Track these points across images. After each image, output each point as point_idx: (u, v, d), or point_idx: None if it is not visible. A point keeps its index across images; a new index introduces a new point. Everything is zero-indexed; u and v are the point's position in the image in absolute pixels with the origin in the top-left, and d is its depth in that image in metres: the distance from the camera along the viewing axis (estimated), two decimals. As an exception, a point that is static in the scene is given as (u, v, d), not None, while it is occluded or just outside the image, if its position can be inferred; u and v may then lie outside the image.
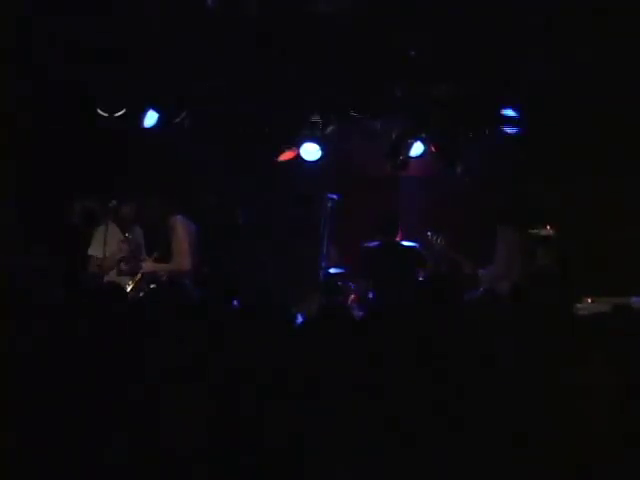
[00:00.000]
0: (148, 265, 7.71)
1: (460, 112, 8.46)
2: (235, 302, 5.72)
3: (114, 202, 7.79)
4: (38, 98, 8.25)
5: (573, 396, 3.73)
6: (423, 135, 8.92)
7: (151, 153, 9.01)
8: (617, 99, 7.89)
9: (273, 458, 3.76)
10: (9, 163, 8.41)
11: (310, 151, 9.07)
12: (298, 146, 9.09)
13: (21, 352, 4.10)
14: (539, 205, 8.61)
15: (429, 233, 8.44)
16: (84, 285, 7.24)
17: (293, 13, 7.38)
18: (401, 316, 4.47)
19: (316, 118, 8.93)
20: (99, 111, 8.32)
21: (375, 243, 8.92)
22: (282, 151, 9.17)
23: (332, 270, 8.86)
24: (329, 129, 8.98)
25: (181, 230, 7.87)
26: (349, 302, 8.77)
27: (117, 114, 8.33)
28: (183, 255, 7.75)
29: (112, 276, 7.60)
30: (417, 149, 9.00)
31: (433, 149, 8.95)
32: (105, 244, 7.65)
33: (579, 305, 7.00)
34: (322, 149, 9.02)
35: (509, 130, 8.53)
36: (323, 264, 8.71)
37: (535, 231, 8.05)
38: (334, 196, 8.75)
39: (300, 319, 5.13)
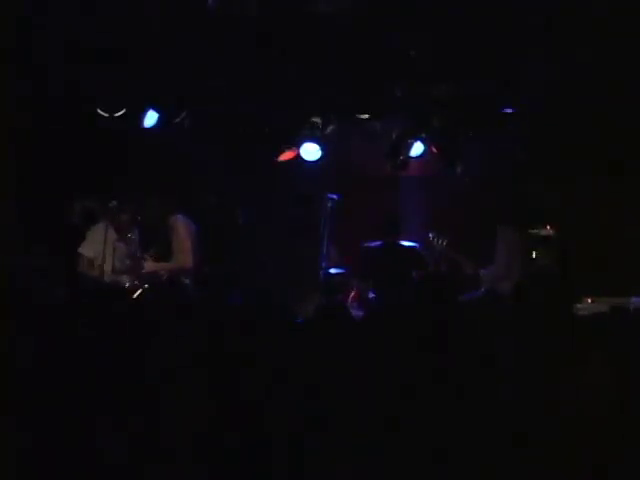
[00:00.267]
0: (150, 264, 7.72)
1: (460, 112, 8.46)
2: (235, 301, 5.72)
3: (114, 202, 7.80)
4: (38, 98, 8.25)
5: (573, 396, 3.73)
6: (423, 135, 8.92)
7: (151, 153, 9.01)
8: (617, 99, 7.89)
9: (273, 458, 3.76)
10: (9, 163, 8.41)
11: (310, 151, 9.07)
12: (298, 146, 9.09)
13: (21, 352, 4.11)
14: (539, 205, 8.61)
15: (430, 234, 8.44)
16: (84, 285, 7.25)
17: (293, 13, 7.38)
18: (401, 316, 4.47)
19: (316, 118, 8.94)
20: (99, 111, 8.33)
21: (376, 243, 8.93)
22: (282, 151, 9.17)
23: (332, 270, 8.86)
24: (329, 129, 8.98)
25: (182, 229, 7.90)
26: (349, 301, 8.77)
27: (117, 114, 8.33)
28: (185, 253, 7.77)
29: (108, 274, 7.60)
30: (417, 149, 9.00)
31: (433, 149, 8.95)
32: (98, 244, 7.66)
33: (579, 305, 7.00)
34: (322, 149, 9.03)
35: (509, 130, 8.53)
36: (323, 264, 8.71)
37: (535, 231, 8.05)
38: (334, 196, 8.75)
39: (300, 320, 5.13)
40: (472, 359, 4.00)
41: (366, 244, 8.96)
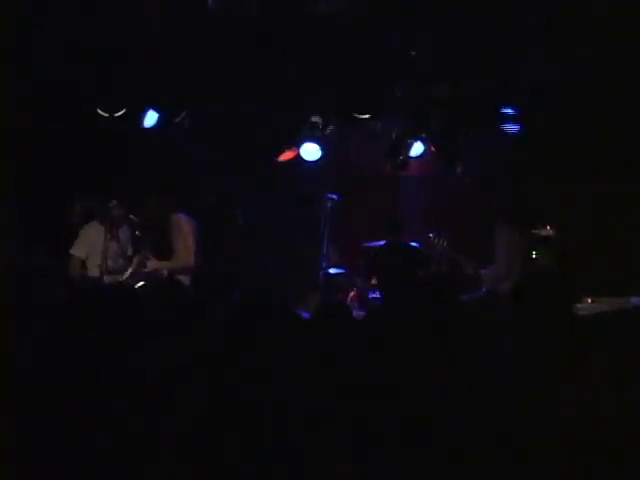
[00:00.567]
0: (153, 263, 7.73)
1: (460, 112, 8.46)
2: (235, 301, 5.72)
3: (114, 202, 7.80)
4: (38, 98, 8.25)
5: (573, 396, 3.73)
6: (423, 135, 8.93)
7: (151, 153, 9.02)
8: (617, 99, 7.89)
9: (273, 458, 3.76)
10: (9, 163, 8.41)
11: (310, 151, 9.07)
12: (298, 146, 9.10)
13: (21, 352, 4.10)
14: (539, 205, 8.61)
15: (430, 234, 8.44)
16: (83, 285, 7.24)
17: (293, 13, 7.38)
18: (401, 316, 4.47)
19: (316, 118, 8.94)
20: (99, 111, 8.33)
21: (380, 243, 8.93)
22: (282, 151, 9.18)
23: (332, 270, 8.87)
24: (329, 129, 8.98)
25: (185, 227, 7.91)
26: (348, 301, 8.77)
27: (117, 114, 8.33)
28: (188, 251, 7.79)
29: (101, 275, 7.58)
30: (417, 149, 9.00)
31: (433, 149, 8.95)
32: (90, 244, 7.66)
33: (579, 305, 7.00)
34: (322, 149, 9.03)
35: (509, 128, 8.52)
36: (323, 264, 8.72)
37: (535, 231, 8.05)
38: (334, 196, 8.76)
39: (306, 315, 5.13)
40: (472, 359, 4.00)
41: (369, 243, 8.97)
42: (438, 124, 8.74)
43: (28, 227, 8.38)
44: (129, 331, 4.28)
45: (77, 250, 7.78)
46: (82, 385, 3.95)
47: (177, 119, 8.58)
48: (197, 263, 7.93)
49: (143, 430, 3.84)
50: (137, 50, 7.82)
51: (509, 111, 8.45)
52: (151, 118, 8.64)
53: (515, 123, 8.43)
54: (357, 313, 7.16)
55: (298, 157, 9.18)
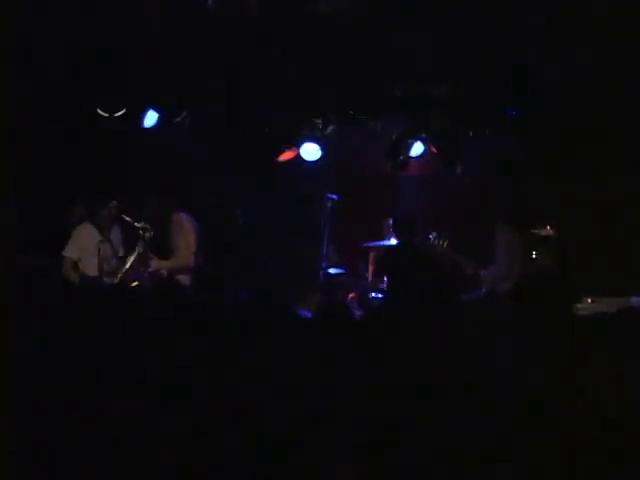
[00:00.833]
0: (155, 263, 7.73)
1: (460, 112, 8.46)
2: (235, 301, 5.72)
3: (114, 202, 7.80)
4: (38, 98, 8.25)
5: (573, 396, 3.73)
6: (423, 135, 8.92)
7: (151, 153, 9.01)
8: (617, 99, 7.89)
9: (273, 457, 3.76)
10: (9, 163, 8.40)
11: (310, 151, 9.07)
12: (298, 146, 9.10)
13: (21, 352, 4.11)
14: (539, 205, 8.60)
15: (430, 235, 8.42)
16: (83, 286, 7.25)
17: (293, 13, 7.38)
18: (401, 316, 4.47)
19: (316, 118, 8.94)
20: (99, 111, 8.33)
21: (383, 242, 8.92)
22: (282, 151, 9.17)
23: (332, 270, 8.87)
24: (329, 129, 8.98)
25: (187, 226, 7.93)
26: (348, 301, 8.77)
27: (117, 114, 8.33)
28: (190, 251, 7.80)
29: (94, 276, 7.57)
30: (417, 149, 9.00)
31: (433, 149, 8.95)
32: (82, 246, 7.65)
33: (579, 305, 7.00)
34: (322, 149, 9.03)
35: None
36: (323, 264, 8.71)
37: (535, 231, 8.05)
38: (334, 196, 8.76)
39: (308, 314, 5.13)
40: (472, 359, 4.00)
41: (370, 243, 8.97)
42: (438, 124, 8.73)
43: (28, 227, 8.37)
44: (129, 331, 4.28)
45: (69, 251, 7.75)
46: (82, 385, 3.95)
47: (177, 119, 8.58)
48: (197, 263, 7.93)
49: (143, 430, 3.84)
50: (137, 50, 7.82)
51: (509, 111, 8.45)
52: (151, 118, 8.64)
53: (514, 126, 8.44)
54: (357, 313, 7.15)
55: (298, 157, 9.18)
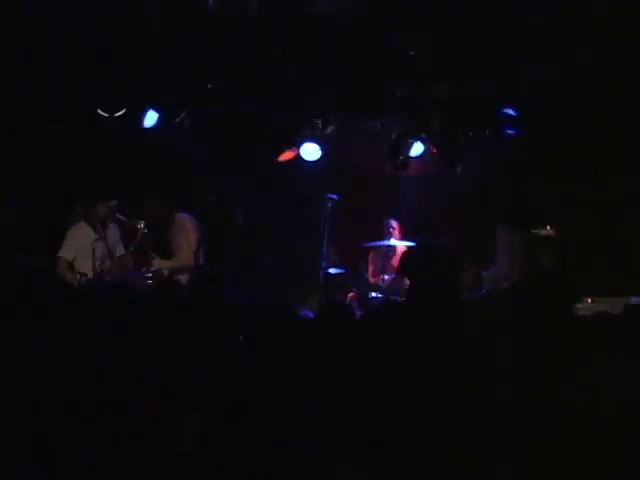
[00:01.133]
0: (157, 262, 7.73)
1: (460, 112, 8.46)
2: (235, 301, 5.72)
3: (114, 202, 7.80)
4: (38, 98, 8.25)
5: (573, 396, 3.73)
6: (423, 135, 8.92)
7: (151, 153, 9.01)
8: (617, 99, 7.89)
9: (273, 458, 3.76)
10: (9, 163, 8.41)
11: (310, 151, 9.07)
12: (298, 146, 9.10)
13: (21, 352, 4.11)
14: (539, 205, 8.61)
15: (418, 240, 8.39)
16: (82, 285, 7.24)
17: (293, 13, 7.38)
18: (401, 315, 4.47)
19: (316, 118, 8.94)
20: (99, 111, 8.33)
21: (384, 242, 8.92)
22: (282, 151, 9.18)
23: (332, 270, 8.86)
24: (329, 129, 8.99)
25: (189, 226, 7.93)
26: (348, 301, 8.77)
27: (117, 114, 8.33)
28: (191, 250, 7.80)
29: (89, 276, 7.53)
30: (417, 149, 9.00)
31: (433, 149, 8.95)
32: (76, 246, 7.62)
33: (579, 305, 7.01)
34: (322, 149, 9.03)
35: (509, 131, 8.52)
36: (323, 264, 8.71)
37: (535, 231, 8.05)
38: (334, 196, 8.75)
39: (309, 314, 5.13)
40: (472, 359, 4.01)
41: (370, 243, 8.98)
42: (438, 124, 8.73)
43: (28, 227, 8.37)
44: (128, 331, 4.28)
45: (63, 252, 7.68)
46: (82, 384, 3.95)
47: (177, 119, 8.59)
48: (197, 263, 7.93)
49: (143, 430, 3.84)
50: (137, 50, 7.81)
51: (509, 111, 8.45)
52: (151, 118, 8.64)
53: (515, 126, 8.43)
54: (357, 313, 7.15)
55: (298, 157, 9.18)
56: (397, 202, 9.72)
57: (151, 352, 4.12)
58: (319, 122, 8.93)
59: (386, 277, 8.85)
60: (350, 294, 8.92)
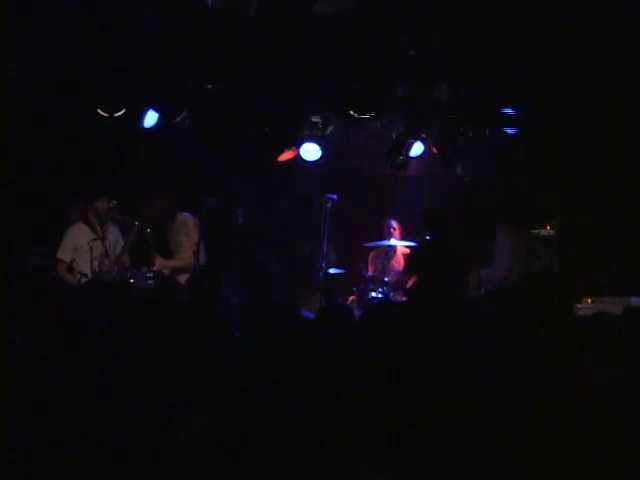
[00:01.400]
0: (159, 262, 7.74)
1: (460, 112, 8.46)
2: (235, 301, 5.73)
3: (114, 202, 7.79)
4: (38, 98, 8.24)
5: (573, 396, 3.73)
6: (423, 135, 8.93)
7: (151, 153, 9.01)
8: (617, 99, 7.89)
9: (272, 458, 3.76)
10: (9, 163, 8.41)
11: (310, 151, 9.07)
12: (298, 146, 9.10)
13: (21, 352, 4.11)
14: (539, 205, 8.61)
15: (428, 237, 8.40)
16: (82, 285, 7.23)
17: (293, 13, 7.38)
18: (401, 315, 4.47)
19: (316, 118, 8.95)
20: (99, 111, 8.33)
21: (385, 242, 8.93)
22: (282, 151, 9.18)
23: (332, 270, 8.87)
24: (329, 129, 8.99)
25: (192, 226, 7.93)
26: (349, 302, 8.77)
27: (117, 114, 8.33)
28: (193, 250, 7.80)
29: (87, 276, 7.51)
30: (417, 149, 9.00)
31: (433, 149, 8.95)
32: (74, 246, 7.61)
33: (579, 305, 7.02)
34: (322, 149, 9.03)
35: (509, 130, 8.53)
36: (323, 264, 8.71)
37: (535, 231, 8.05)
38: (334, 196, 8.75)
39: (309, 315, 5.13)
40: (472, 359, 4.00)
41: (371, 243, 8.99)
42: (438, 124, 8.73)
43: (28, 227, 8.38)
44: (128, 331, 4.28)
45: (61, 253, 7.65)
46: (82, 384, 3.95)
47: (177, 119, 8.59)
48: (197, 263, 7.93)
49: (143, 430, 3.84)
50: (137, 50, 7.81)
51: (509, 111, 8.46)
52: (151, 118, 8.64)
53: (515, 126, 8.44)
54: (357, 314, 7.15)
55: (298, 157, 9.18)
56: (397, 202, 9.73)
57: (150, 351, 4.12)
58: (319, 122, 8.93)
59: (386, 279, 8.83)
60: (351, 297, 8.92)
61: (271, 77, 8.14)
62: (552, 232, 8.04)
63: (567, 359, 3.90)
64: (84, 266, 7.53)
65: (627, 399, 3.72)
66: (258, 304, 4.73)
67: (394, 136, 8.97)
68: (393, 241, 9.11)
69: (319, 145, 9.02)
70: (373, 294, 8.73)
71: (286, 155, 9.22)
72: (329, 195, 8.76)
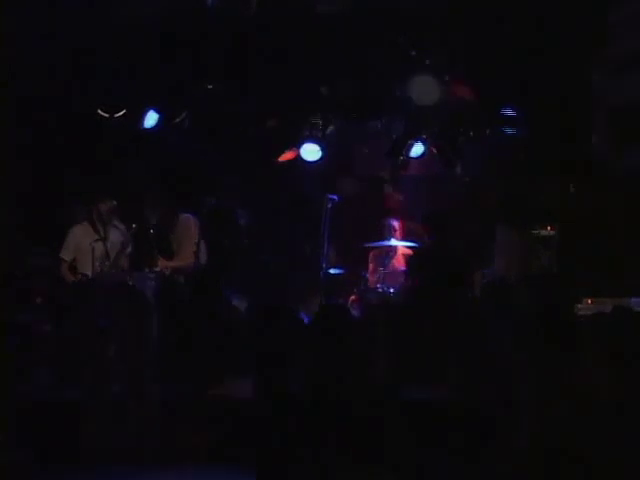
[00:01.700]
0: (161, 262, 7.74)
1: (460, 112, 8.46)
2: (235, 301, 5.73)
3: (114, 202, 7.79)
4: (38, 98, 8.24)
5: (573, 396, 3.73)
6: (423, 135, 8.92)
7: (151, 153, 9.01)
8: (617, 98, 7.89)
9: (274, 457, 3.76)
10: (9, 163, 8.40)
11: (310, 151, 9.07)
12: (298, 146, 9.10)
13: (21, 351, 4.11)
14: (539, 205, 8.60)
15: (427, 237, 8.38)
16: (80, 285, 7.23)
17: (293, 13, 7.38)
18: (402, 315, 4.48)
19: (316, 118, 8.94)
20: (99, 111, 8.33)
21: (385, 242, 8.92)
22: (282, 151, 9.18)
23: (332, 270, 8.86)
24: (329, 129, 8.99)
25: (194, 227, 7.93)
26: (349, 303, 8.76)
27: (117, 114, 8.33)
28: (194, 250, 7.80)
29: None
30: (417, 149, 9.00)
31: (433, 149, 8.94)
32: (76, 246, 7.61)
33: (579, 305, 7.01)
34: (322, 149, 9.03)
35: (509, 130, 8.52)
36: (323, 264, 8.71)
37: (535, 231, 8.05)
38: (334, 196, 8.75)
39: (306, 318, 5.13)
40: (472, 358, 4.01)
41: (371, 243, 8.97)
42: (438, 124, 8.73)
43: (28, 227, 8.37)
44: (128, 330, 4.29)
45: (64, 253, 7.67)
46: (82, 383, 3.96)
47: (177, 119, 8.58)
48: (197, 262, 7.93)
49: (143, 429, 3.85)
50: (138, 50, 7.81)
51: (509, 111, 8.46)
52: (151, 118, 8.64)
53: (515, 126, 8.43)
54: (356, 314, 7.14)
55: (298, 157, 9.18)
56: (397, 202, 9.72)
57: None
58: (319, 122, 8.93)
59: (386, 280, 8.81)
60: (351, 297, 8.90)
61: (271, 77, 8.14)
62: (552, 232, 8.04)
63: (567, 359, 3.90)
64: (86, 266, 7.53)
65: (627, 399, 3.72)
66: (258, 304, 4.72)
67: (394, 136, 8.96)
68: (393, 241, 9.10)
69: (319, 145, 9.02)
70: (373, 294, 8.71)
71: (286, 155, 9.22)
72: (329, 195, 8.76)
